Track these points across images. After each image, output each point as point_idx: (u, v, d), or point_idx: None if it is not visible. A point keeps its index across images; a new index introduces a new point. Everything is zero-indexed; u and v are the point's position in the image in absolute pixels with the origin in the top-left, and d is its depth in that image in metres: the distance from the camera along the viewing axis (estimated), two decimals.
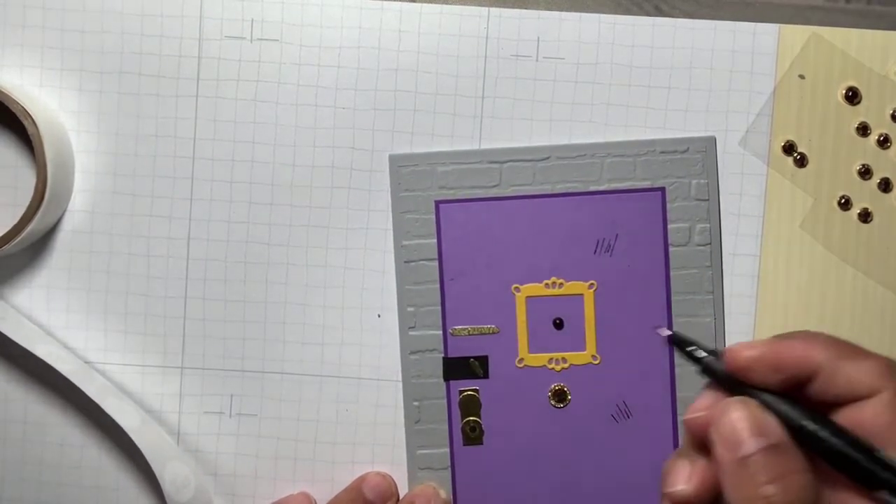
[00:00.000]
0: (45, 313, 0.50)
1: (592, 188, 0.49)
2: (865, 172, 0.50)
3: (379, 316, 0.50)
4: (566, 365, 0.50)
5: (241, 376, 0.50)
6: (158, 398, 0.50)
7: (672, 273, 0.50)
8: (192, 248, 0.50)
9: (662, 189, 0.50)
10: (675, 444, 0.50)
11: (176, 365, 0.50)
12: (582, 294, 0.50)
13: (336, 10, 0.50)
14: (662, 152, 0.49)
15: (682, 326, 0.50)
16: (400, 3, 0.50)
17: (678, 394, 0.50)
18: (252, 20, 0.50)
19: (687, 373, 0.50)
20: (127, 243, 0.50)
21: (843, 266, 0.50)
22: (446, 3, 0.50)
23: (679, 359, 0.50)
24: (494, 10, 0.50)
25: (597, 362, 0.50)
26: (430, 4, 0.50)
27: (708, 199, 0.50)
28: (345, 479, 0.50)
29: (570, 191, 0.49)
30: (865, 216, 0.50)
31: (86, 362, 0.50)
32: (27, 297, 0.50)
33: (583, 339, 0.50)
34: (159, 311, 0.50)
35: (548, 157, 0.49)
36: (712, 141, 0.50)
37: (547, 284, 0.50)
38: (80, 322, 0.50)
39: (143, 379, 0.50)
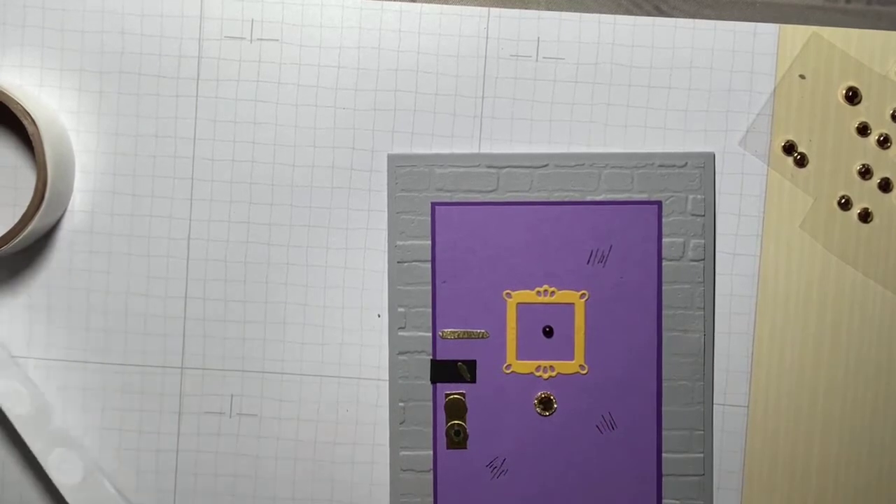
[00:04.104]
0: (45, 313, 0.50)
1: (589, 198, 0.49)
2: (865, 172, 0.50)
3: (379, 316, 0.50)
4: (553, 373, 0.50)
5: (241, 376, 0.50)
6: (158, 398, 0.50)
7: (664, 287, 0.49)
8: (192, 248, 0.50)
9: (659, 203, 0.49)
10: (659, 459, 0.50)
11: (176, 365, 0.50)
12: (573, 303, 0.50)
13: (336, 10, 0.50)
14: (661, 166, 0.49)
15: (672, 341, 0.49)
16: (400, 3, 0.50)
17: (664, 408, 0.50)
18: (252, 20, 0.50)
19: (673, 388, 0.50)
20: (127, 243, 0.50)
21: (843, 266, 0.50)
22: (446, 3, 0.50)
23: (666, 373, 0.49)
24: (494, 11, 0.49)
25: (584, 372, 0.50)
26: (430, 4, 0.50)
27: (704, 215, 0.49)
28: (345, 479, 0.50)
29: (566, 199, 0.49)
30: (865, 216, 0.50)
31: (85, 363, 0.50)
32: (27, 297, 0.50)
33: (572, 348, 0.50)
34: (159, 311, 0.50)
35: (546, 165, 0.49)
36: (711, 157, 0.49)
37: (539, 292, 0.50)
38: (80, 322, 0.50)
39: (143, 379, 0.50)
